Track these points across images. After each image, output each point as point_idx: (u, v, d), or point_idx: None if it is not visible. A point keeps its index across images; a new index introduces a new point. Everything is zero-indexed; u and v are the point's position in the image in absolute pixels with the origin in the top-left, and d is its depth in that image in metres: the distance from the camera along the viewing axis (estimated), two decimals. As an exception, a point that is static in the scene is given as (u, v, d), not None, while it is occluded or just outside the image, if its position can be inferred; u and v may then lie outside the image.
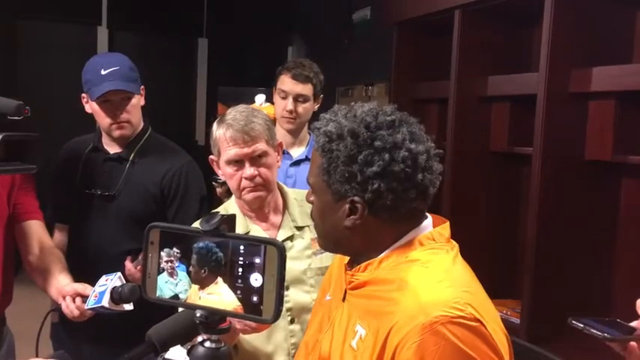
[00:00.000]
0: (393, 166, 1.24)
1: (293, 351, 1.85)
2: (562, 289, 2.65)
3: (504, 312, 2.86)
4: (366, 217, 1.28)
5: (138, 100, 2.36)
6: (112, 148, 2.39)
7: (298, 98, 2.80)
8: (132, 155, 2.36)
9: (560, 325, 2.62)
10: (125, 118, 2.31)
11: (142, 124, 2.41)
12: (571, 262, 2.65)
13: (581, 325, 2.42)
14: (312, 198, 1.38)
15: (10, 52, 6.55)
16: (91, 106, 2.33)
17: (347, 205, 1.28)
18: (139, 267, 2.16)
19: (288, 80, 2.80)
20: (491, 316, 1.21)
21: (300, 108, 2.80)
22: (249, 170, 1.85)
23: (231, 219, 1.16)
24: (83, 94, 2.34)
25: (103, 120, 2.32)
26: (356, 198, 1.26)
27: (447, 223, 1.35)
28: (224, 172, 1.90)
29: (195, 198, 2.38)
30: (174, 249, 1.16)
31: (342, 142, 1.26)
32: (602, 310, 2.70)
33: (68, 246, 2.42)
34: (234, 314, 1.13)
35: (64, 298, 1.91)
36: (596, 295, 2.69)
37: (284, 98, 2.81)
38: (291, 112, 2.78)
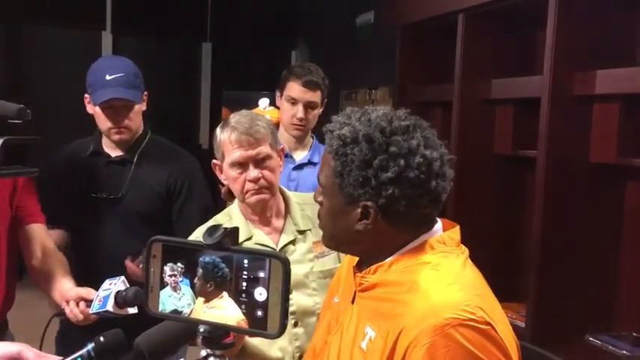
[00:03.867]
0: (407, 173, 1.24)
1: (297, 354, 1.85)
2: (567, 292, 2.63)
3: (509, 315, 2.84)
4: (378, 222, 1.27)
5: (140, 107, 2.38)
6: (114, 152, 2.41)
7: (309, 105, 2.77)
8: (135, 157, 2.38)
9: (565, 329, 2.62)
10: (125, 124, 2.34)
11: (141, 127, 2.42)
12: (576, 265, 2.64)
13: (599, 343, 2.42)
14: (320, 199, 1.37)
15: (15, 57, 6.57)
16: (92, 108, 2.35)
17: (359, 210, 1.28)
18: (140, 265, 2.16)
19: (297, 87, 2.77)
20: (501, 320, 1.22)
21: (310, 115, 2.79)
22: (253, 173, 1.85)
23: (234, 232, 1.15)
24: (86, 95, 2.36)
25: (104, 123, 2.34)
26: (369, 203, 1.26)
27: (457, 227, 1.36)
28: (227, 175, 1.90)
29: (200, 195, 2.42)
30: (178, 263, 1.14)
31: (357, 147, 1.25)
32: (607, 313, 2.69)
33: (73, 249, 2.41)
34: (238, 329, 1.12)
35: (67, 302, 1.91)
36: (602, 298, 2.68)
37: (293, 104, 2.78)
38: (301, 119, 2.77)
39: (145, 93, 2.40)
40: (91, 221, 2.37)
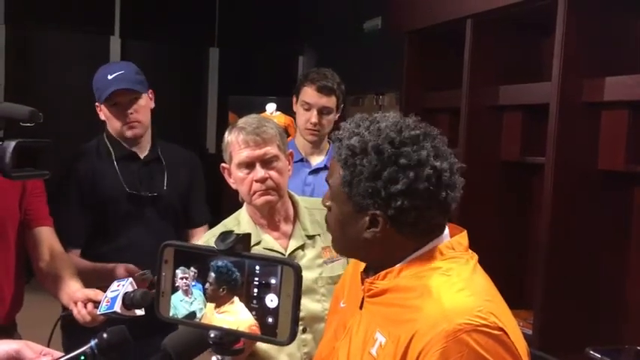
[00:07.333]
0: (417, 184, 1.23)
1: (306, 360, 1.84)
2: (574, 299, 2.63)
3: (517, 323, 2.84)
4: (387, 230, 1.27)
5: (146, 102, 2.43)
6: (141, 153, 2.47)
7: (323, 111, 2.77)
8: (160, 156, 2.49)
9: (572, 336, 2.61)
10: (134, 118, 2.39)
11: (149, 125, 2.48)
12: (583, 272, 2.64)
13: (599, 356, 2.39)
14: (328, 203, 1.37)
15: (24, 61, 6.60)
16: (103, 112, 2.41)
17: (367, 218, 1.27)
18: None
19: (312, 92, 2.76)
20: (512, 325, 1.22)
21: (324, 120, 2.78)
22: (260, 172, 1.84)
23: (246, 238, 1.15)
24: (97, 103, 2.42)
25: (115, 123, 2.40)
26: (377, 212, 1.26)
27: (465, 232, 1.35)
28: (235, 177, 1.90)
29: (203, 183, 2.64)
30: (192, 268, 1.14)
31: (366, 158, 1.25)
32: (614, 321, 2.68)
33: (113, 249, 2.42)
34: (249, 335, 1.12)
35: (75, 303, 1.91)
36: (609, 305, 2.67)
37: (307, 110, 2.78)
38: (315, 124, 2.77)
39: (151, 91, 2.45)
40: (132, 219, 2.43)
